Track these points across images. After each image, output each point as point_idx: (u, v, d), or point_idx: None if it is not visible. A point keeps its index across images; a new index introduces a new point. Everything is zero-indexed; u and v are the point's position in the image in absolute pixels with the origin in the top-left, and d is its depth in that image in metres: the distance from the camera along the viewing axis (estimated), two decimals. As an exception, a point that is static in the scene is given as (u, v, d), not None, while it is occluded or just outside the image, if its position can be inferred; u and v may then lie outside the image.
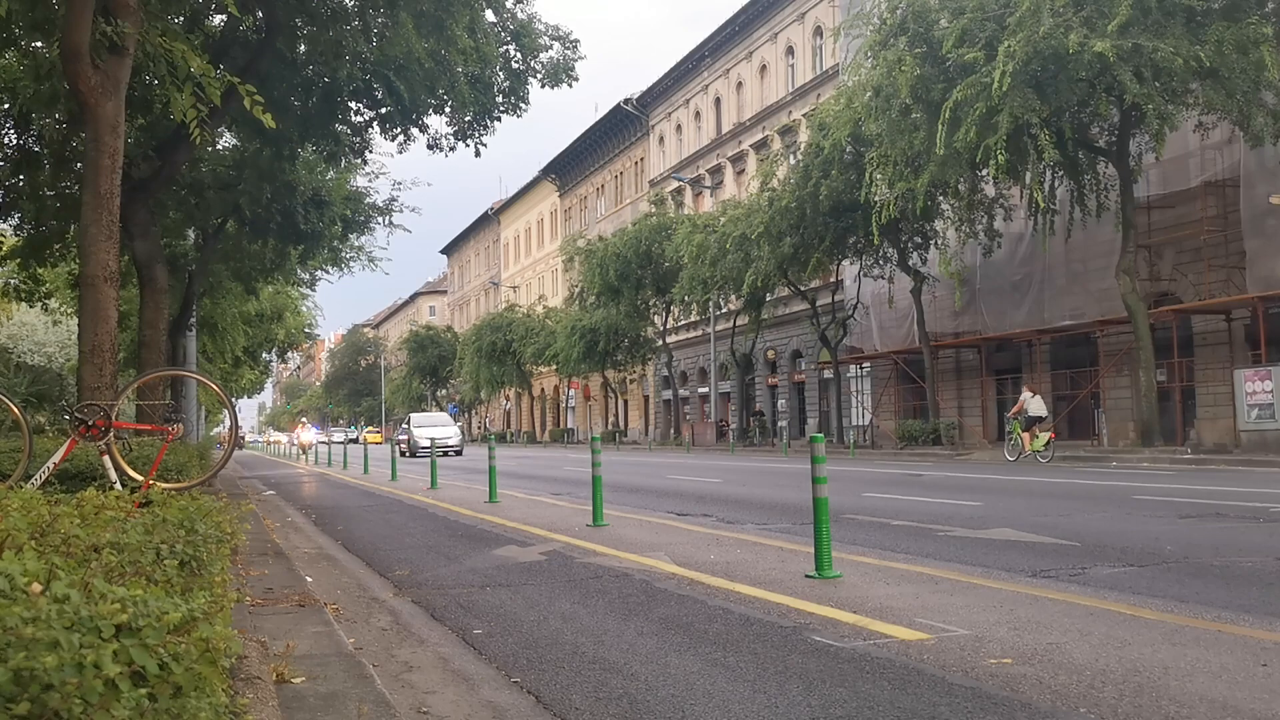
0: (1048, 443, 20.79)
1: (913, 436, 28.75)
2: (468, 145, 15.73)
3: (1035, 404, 21.50)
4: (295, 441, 49.94)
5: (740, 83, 45.41)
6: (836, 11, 34.69)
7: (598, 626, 4.91)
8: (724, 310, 40.03)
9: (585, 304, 45.61)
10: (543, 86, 15.40)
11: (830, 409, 36.37)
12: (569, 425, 63.05)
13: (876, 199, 24.72)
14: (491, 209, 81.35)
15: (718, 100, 47.61)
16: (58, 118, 13.72)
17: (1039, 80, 19.38)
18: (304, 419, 58.99)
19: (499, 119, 15.53)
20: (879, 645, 4.28)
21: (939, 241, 27.29)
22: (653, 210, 43.25)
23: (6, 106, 14.24)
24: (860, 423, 34.56)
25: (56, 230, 16.62)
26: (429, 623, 5.21)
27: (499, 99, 15.22)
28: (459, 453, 36.17)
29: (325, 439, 48.61)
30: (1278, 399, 18.61)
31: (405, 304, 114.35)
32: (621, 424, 55.64)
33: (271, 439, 66.09)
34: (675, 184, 48.29)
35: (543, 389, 67.50)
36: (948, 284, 28.09)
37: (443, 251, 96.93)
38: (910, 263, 28.64)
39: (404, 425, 40.23)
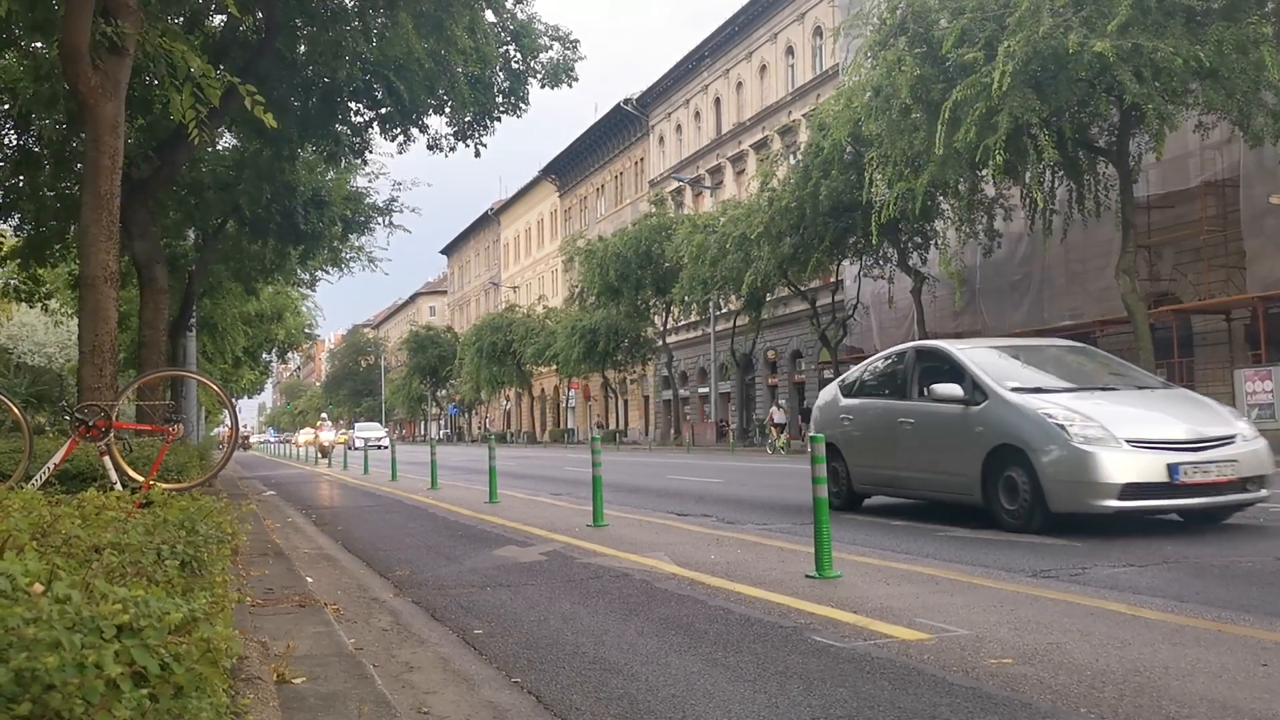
0: (786, 442, 32.35)
1: (913, 436, 28.71)
2: (468, 145, 15.74)
3: (779, 414, 34.16)
4: (314, 442, 40.14)
5: (740, 83, 45.41)
6: (836, 12, 34.69)
7: (598, 627, 4.90)
8: (724, 310, 40.03)
9: (585, 304, 45.60)
10: (543, 87, 15.41)
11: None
12: (569, 425, 63.04)
13: (876, 199, 24.71)
14: (491, 209, 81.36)
15: (718, 100, 47.61)
16: (58, 118, 13.72)
17: (1039, 80, 19.37)
18: (324, 416, 47.48)
19: (499, 119, 15.55)
20: (879, 645, 4.27)
21: (939, 241, 27.28)
22: (653, 210, 43.26)
23: (6, 107, 14.24)
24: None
25: (56, 231, 16.61)
26: (429, 623, 5.21)
27: (499, 99, 15.23)
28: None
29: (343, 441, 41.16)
30: (1278, 399, 18.61)
31: (405, 304, 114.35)
32: (622, 424, 55.64)
33: (303, 440, 47.44)
34: (675, 184, 48.29)
35: (543, 389, 67.51)
36: (948, 284, 28.08)
37: (443, 252, 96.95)
38: (910, 263, 28.65)
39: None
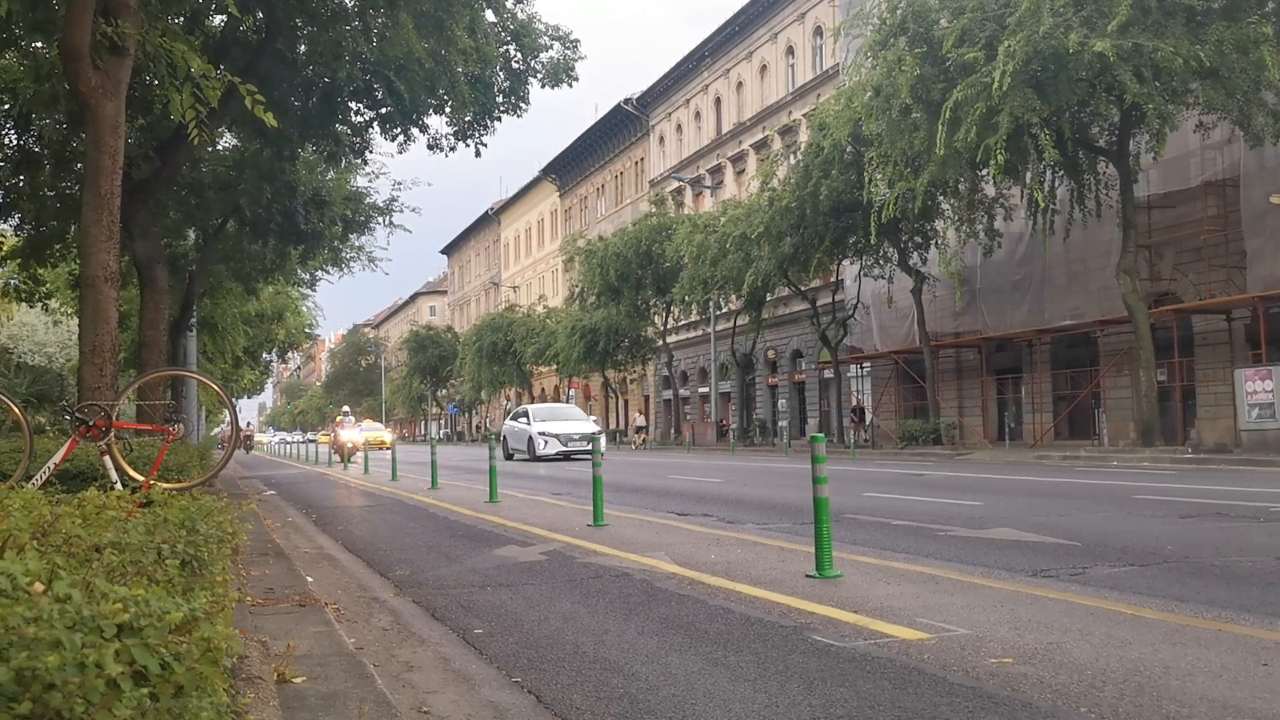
0: (645, 440, 42.94)
1: (913, 436, 28.76)
2: (468, 145, 15.75)
3: (640, 419, 42.75)
4: (332, 444, 33.80)
5: (740, 83, 45.41)
6: (836, 11, 34.70)
7: (598, 626, 4.90)
8: (724, 310, 40.02)
9: (585, 304, 45.59)
10: (543, 86, 15.42)
11: (830, 409, 36.37)
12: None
13: (876, 199, 24.72)
14: (491, 209, 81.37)
15: (718, 100, 47.61)
16: (58, 118, 13.73)
17: (1039, 80, 19.39)
18: (346, 410, 36.61)
19: (499, 119, 15.56)
20: (880, 645, 4.28)
21: (939, 241, 27.31)
22: (653, 210, 43.24)
23: (7, 107, 14.24)
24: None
25: (57, 230, 16.62)
26: (429, 623, 5.21)
27: (499, 99, 15.24)
28: None
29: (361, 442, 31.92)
30: (1278, 398, 18.60)
31: (405, 304, 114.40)
32: (622, 424, 55.64)
33: (362, 438, 33.27)
34: (675, 184, 48.28)
35: (543, 389, 67.49)
36: (948, 284, 28.10)
37: (443, 251, 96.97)
38: (910, 262, 28.65)
39: None
